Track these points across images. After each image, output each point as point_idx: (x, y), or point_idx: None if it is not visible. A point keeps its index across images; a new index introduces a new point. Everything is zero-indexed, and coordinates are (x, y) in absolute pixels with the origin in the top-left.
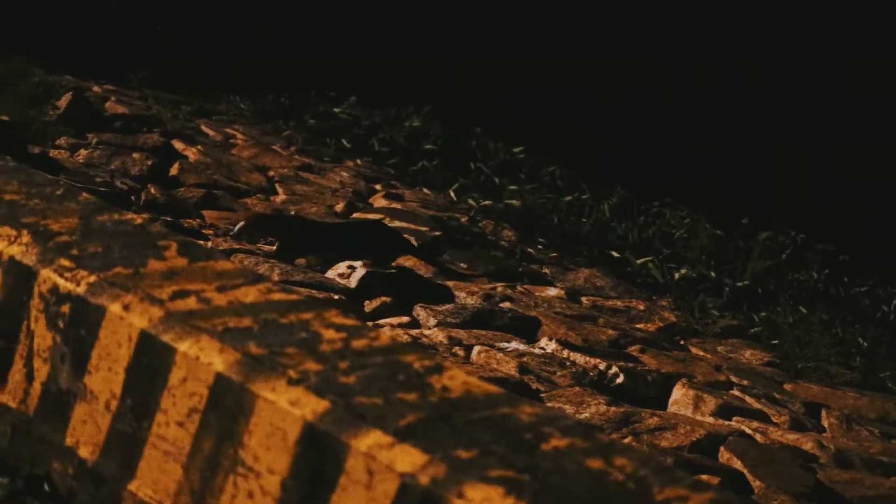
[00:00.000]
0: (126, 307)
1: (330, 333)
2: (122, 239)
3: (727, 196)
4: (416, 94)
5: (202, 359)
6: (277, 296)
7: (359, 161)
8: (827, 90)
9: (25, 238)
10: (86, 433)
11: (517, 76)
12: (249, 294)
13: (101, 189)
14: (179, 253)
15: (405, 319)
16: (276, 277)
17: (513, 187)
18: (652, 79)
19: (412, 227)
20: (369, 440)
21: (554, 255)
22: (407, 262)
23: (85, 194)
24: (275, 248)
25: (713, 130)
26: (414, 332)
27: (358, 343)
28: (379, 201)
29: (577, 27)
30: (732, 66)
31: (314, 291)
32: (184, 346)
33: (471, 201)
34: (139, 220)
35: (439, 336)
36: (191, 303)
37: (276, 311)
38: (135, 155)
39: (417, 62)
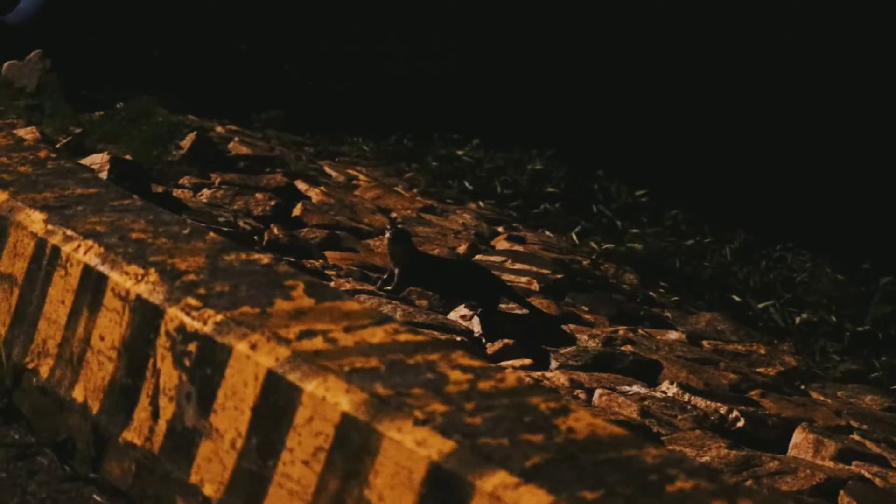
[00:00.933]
0: (253, 346)
1: (456, 374)
2: (249, 278)
3: (849, 241)
4: (539, 137)
5: (329, 398)
6: (404, 336)
7: (481, 203)
8: None
9: (153, 277)
10: (211, 471)
11: (640, 120)
12: (376, 334)
13: (225, 229)
14: (306, 293)
15: (527, 362)
16: (398, 318)
17: (635, 231)
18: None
19: (534, 269)
20: (495, 480)
21: (675, 298)
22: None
23: (212, 234)
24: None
25: (833, 176)
26: (536, 374)
27: (484, 384)
28: (501, 243)
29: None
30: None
31: (436, 333)
32: (310, 386)
33: (593, 244)
34: (266, 260)
35: (561, 379)
36: (318, 343)
37: (403, 352)
38: (258, 195)
39: (540, 104)
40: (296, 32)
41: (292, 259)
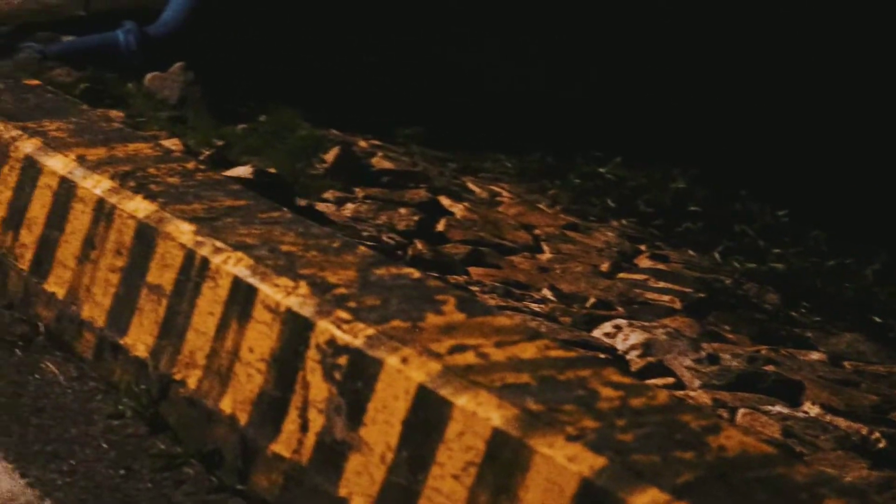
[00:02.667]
0: (404, 360)
1: (607, 391)
2: (400, 292)
3: None
4: (681, 154)
5: (480, 413)
6: (555, 353)
7: (623, 221)
8: None
9: (303, 289)
10: (360, 484)
11: (783, 138)
12: (527, 350)
13: (368, 243)
14: (458, 308)
15: (670, 380)
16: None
17: (777, 250)
18: None
19: (676, 287)
20: (646, 497)
21: (817, 319)
22: (672, 322)
23: (362, 247)
24: None
25: None
26: (679, 392)
27: (636, 401)
28: (644, 262)
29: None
30: None
31: (580, 350)
32: (462, 401)
33: (735, 263)
34: (417, 274)
35: (704, 397)
36: (469, 358)
37: (554, 368)
38: (401, 210)
39: (682, 121)
40: (429, 48)
41: (436, 274)
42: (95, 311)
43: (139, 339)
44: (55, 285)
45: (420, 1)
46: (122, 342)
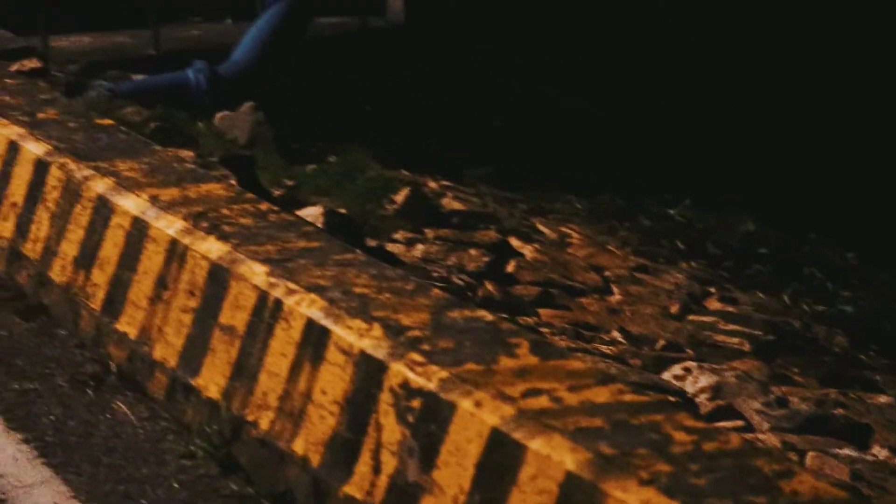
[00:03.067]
0: (478, 404)
1: (680, 435)
2: (473, 335)
3: None
4: (751, 197)
5: (553, 457)
6: (629, 397)
7: (693, 263)
8: None
9: (377, 331)
10: None
11: (848, 184)
12: (601, 394)
13: (438, 284)
14: (531, 351)
15: (739, 423)
16: None
17: (845, 293)
18: None
19: (745, 330)
20: None
21: (885, 361)
22: (741, 365)
23: (436, 290)
24: None
25: None
26: (748, 435)
27: (708, 445)
28: (713, 304)
29: None
30: None
31: (653, 393)
32: (535, 444)
33: (804, 306)
34: (490, 317)
35: (773, 440)
36: (543, 401)
37: (627, 412)
38: (471, 251)
39: (752, 164)
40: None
41: (506, 316)
42: (167, 351)
43: (211, 380)
44: (127, 325)
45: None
46: (194, 383)
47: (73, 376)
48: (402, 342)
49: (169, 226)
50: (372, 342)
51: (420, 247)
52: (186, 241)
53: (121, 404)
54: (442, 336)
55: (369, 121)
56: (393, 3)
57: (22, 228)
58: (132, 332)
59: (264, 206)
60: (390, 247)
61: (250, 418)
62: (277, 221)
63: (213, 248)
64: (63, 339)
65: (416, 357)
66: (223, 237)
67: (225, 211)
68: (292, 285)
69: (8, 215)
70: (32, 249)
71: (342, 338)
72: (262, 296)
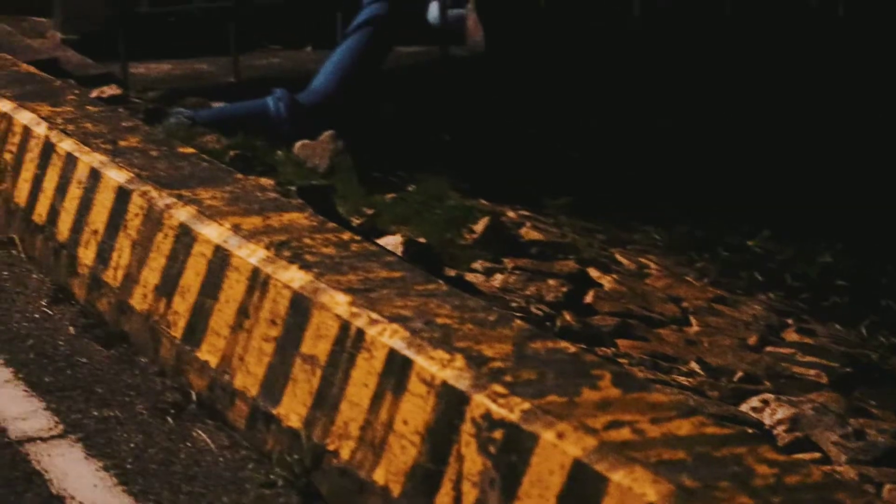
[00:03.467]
0: (560, 435)
1: (762, 468)
2: (556, 367)
3: None
4: (829, 229)
5: (635, 489)
6: (711, 429)
7: (771, 294)
8: None
9: (459, 362)
10: None
11: None
12: (683, 427)
13: (517, 314)
14: (613, 383)
15: (816, 455)
16: None
17: None
18: None
19: (823, 362)
20: None
21: None
22: (819, 397)
23: (518, 321)
24: None
25: None
26: (825, 468)
27: (790, 479)
28: (791, 335)
29: None
30: None
31: (735, 426)
32: (617, 476)
33: (881, 338)
34: (572, 349)
35: (850, 473)
36: (625, 433)
37: (710, 445)
38: (550, 281)
39: (829, 196)
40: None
41: (584, 346)
42: (248, 380)
43: (292, 409)
44: (208, 353)
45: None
46: (275, 412)
47: (153, 404)
48: (485, 373)
49: (251, 254)
50: (454, 373)
51: (499, 276)
52: (269, 269)
53: (201, 432)
54: (524, 367)
55: (449, 150)
56: (473, 33)
57: (103, 256)
58: (213, 361)
59: (347, 236)
60: (469, 276)
61: (331, 448)
62: (360, 251)
63: (295, 277)
64: (143, 367)
65: (499, 388)
66: (306, 266)
67: (307, 240)
68: (375, 315)
69: (89, 242)
70: (113, 277)
71: (424, 368)
72: (345, 325)
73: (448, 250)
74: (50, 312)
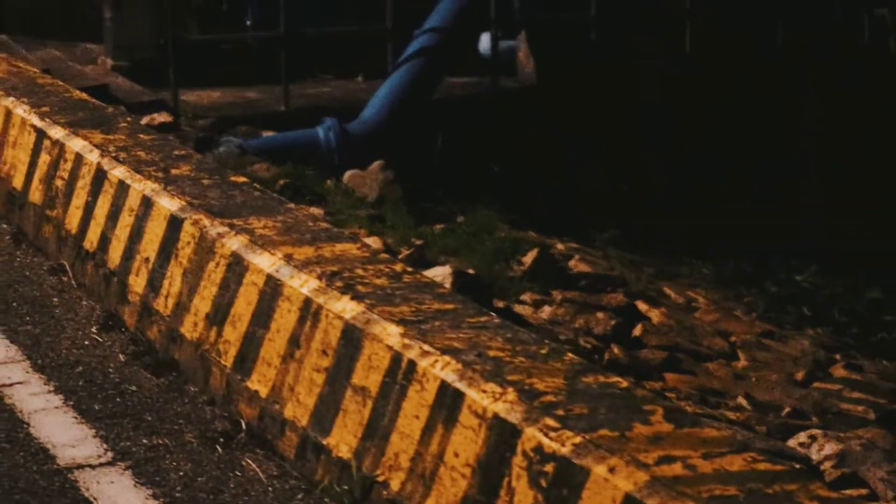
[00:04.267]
0: (611, 470)
1: None
2: (608, 401)
3: None
4: (878, 265)
5: None
6: (762, 465)
7: (819, 330)
8: None
9: (511, 396)
10: None
11: None
12: (734, 462)
13: (565, 347)
14: (665, 418)
15: (864, 491)
16: None
17: None
18: None
19: (870, 398)
20: None
21: None
22: (866, 433)
23: (570, 354)
24: None
25: None
26: None
27: None
28: (838, 371)
29: None
30: None
31: (786, 462)
32: None
33: None
34: (624, 384)
35: None
36: (676, 469)
37: (761, 481)
38: (598, 314)
39: (878, 235)
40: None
41: (632, 380)
42: (299, 410)
43: (342, 440)
44: (258, 383)
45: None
46: (325, 442)
47: (202, 433)
48: (537, 407)
49: (303, 284)
50: (506, 406)
51: (547, 309)
52: (320, 300)
53: (250, 462)
54: (576, 401)
55: (498, 181)
56: (524, 65)
57: (154, 283)
58: (263, 391)
59: (399, 267)
60: (517, 308)
61: (381, 479)
62: (412, 282)
63: (347, 307)
64: (193, 396)
65: (551, 422)
66: (358, 297)
67: (359, 271)
68: (427, 347)
69: (140, 270)
70: (164, 305)
71: (476, 401)
72: (396, 357)
73: (497, 282)
74: (100, 339)
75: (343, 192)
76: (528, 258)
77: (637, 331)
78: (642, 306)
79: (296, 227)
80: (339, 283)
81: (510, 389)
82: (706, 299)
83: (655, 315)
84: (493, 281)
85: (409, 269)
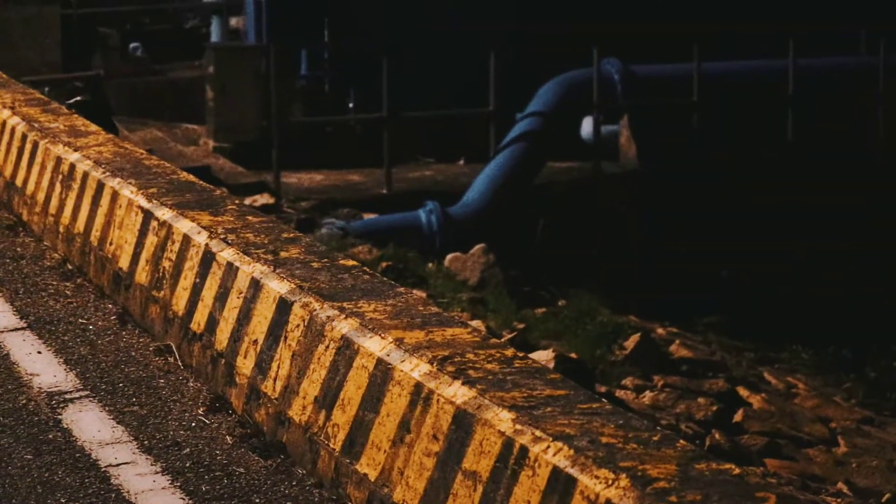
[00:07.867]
0: None
1: None
2: (720, 488)
3: None
4: None
5: None
6: None
7: None
8: None
9: (623, 482)
10: None
11: None
12: None
13: (667, 432)
14: None
15: None
16: None
17: None
18: None
19: None
20: None
21: None
22: None
23: (682, 441)
24: None
25: None
26: None
27: None
28: None
29: None
30: None
31: None
32: None
33: None
34: (737, 470)
35: None
36: None
37: None
38: (700, 399)
39: None
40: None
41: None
42: (408, 493)
43: None
44: (367, 466)
45: None
46: None
47: None
48: (650, 493)
49: (414, 369)
50: (618, 492)
51: (648, 394)
52: (431, 385)
53: None
54: (689, 488)
55: (599, 265)
56: (626, 149)
57: (262, 366)
58: (372, 474)
59: (510, 352)
60: (619, 393)
61: None
62: (523, 367)
63: (458, 392)
64: (301, 479)
65: None
66: (469, 382)
67: (470, 356)
68: (539, 433)
69: (248, 352)
70: (272, 387)
71: (588, 487)
72: (508, 442)
73: (599, 366)
74: (207, 421)
75: (445, 274)
76: (630, 343)
77: (738, 416)
78: (743, 392)
79: (406, 310)
80: (450, 368)
81: (623, 476)
82: (805, 385)
83: (756, 401)
84: (595, 365)
85: (520, 355)
